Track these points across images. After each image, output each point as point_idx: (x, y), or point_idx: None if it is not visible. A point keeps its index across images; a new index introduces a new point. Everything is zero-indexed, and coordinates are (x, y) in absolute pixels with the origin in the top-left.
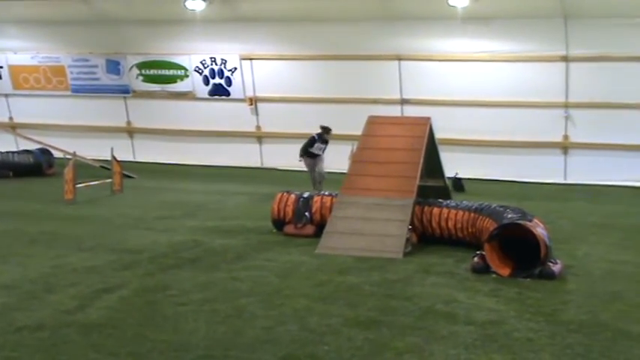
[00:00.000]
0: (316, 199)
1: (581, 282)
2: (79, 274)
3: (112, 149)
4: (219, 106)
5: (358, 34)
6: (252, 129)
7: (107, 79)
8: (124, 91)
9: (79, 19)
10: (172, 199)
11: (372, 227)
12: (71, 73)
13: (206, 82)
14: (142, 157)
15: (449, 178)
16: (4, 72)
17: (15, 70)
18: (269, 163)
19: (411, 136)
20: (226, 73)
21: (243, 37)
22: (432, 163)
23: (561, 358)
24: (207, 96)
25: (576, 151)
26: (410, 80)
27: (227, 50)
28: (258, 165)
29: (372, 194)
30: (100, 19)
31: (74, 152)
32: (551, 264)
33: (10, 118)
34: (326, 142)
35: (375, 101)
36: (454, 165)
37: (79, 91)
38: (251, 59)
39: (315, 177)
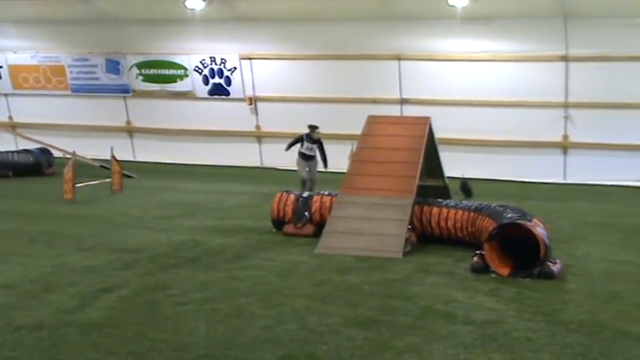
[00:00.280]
0: (316, 198)
1: (581, 282)
2: (78, 273)
3: (111, 149)
4: (218, 105)
5: (358, 34)
6: (252, 128)
7: (107, 79)
8: (124, 90)
9: (79, 19)
10: (172, 199)
11: (371, 227)
12: (71, 72)
13: (206, 81)
14: (141, 157)
15: (455, 178)
16: (4, 72)
17: (14, 70)
18: (268, 163)
19: (410, 136)
20: (226, 73)
21: (243, 36)
22: (432, 163)
23: (561, 358)
24: (207, 95)
25: (576, 150)
26: (409, 80)
27: (227, 50)
28: (258, 164)
29: (371, 194)
30: (100, 18)
31: (74, 152)
32: (550, 264)
33: (10, 118)
34: (316, 142)
35: (374, 101)
36: (453, 165)
37: (78, 90)
38: (250, 59)
39: (304, 178)
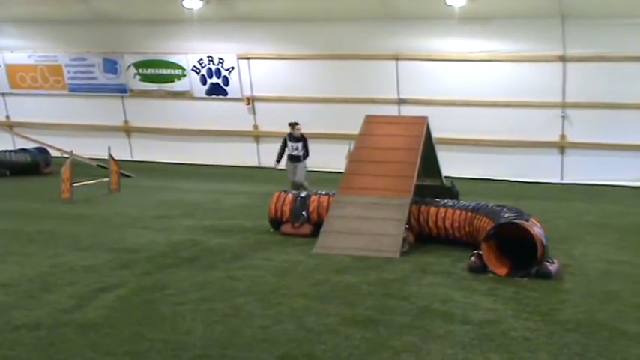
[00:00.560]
0: (313, 198)
1: (578, 281)
2: (76, 273)
3: (109, 148)
4: (216, 105)
5: (356, 34)
6: (250, 128)
7: (104, 79)
8: (122, 90)
9: (76, 18)
10: (170, 199)
11: (369, 227)
12: (68, 72)
13: (203, 81)
14: (139, 157)
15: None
16: (1, 71)
17: (12, 69)
18: (266, 163)
19: (408, 136)
20: (223, 73)
21: (241, 36)
22: (429, 163)
23: (558, 358)
24: (205, 95)
25: (573, 150)
26: (407, 80)
27: (224, 49)
28: (256, 164)
29: (369, 194)
30: (98, 18)
31: (71, 151)
32: (547, 263)
33: (7, 117)
34: (299, 140)
35: (372, 101)
36: (451, 164)
37: (76, 90)
38: (248, 58)
39: (296, 182)
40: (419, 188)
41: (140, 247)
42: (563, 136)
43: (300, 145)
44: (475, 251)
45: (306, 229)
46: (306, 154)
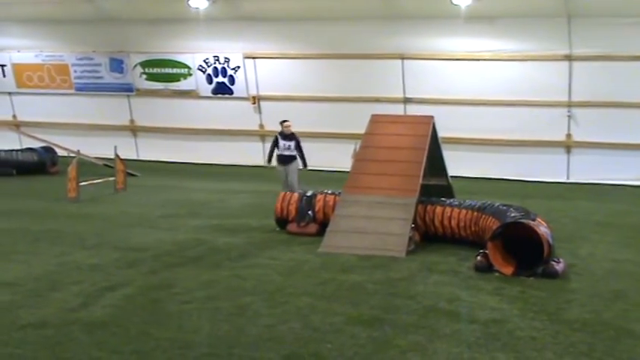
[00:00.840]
0: (319, 197)
1: (584, 281)
2: (82, 272)
3: (115, 147)
4: (222, 104)
5: (361, 33)
6: (256, 127)
7: (110, 78)
8: (128, 89)
9: (83, 18)
10: (176, 198)
11: (374, 226)
12: (75, 71)
13: (209, 80)
14: (145, 156)
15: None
16: (8, 70)
17: (18, 69)
18: (272, 162)
19: (414, 135)
20: (229, 72)
21: (247, 35)
22: (435, 162)
23: (564, 357)
24: (211, 94)
25: (579, 150)
26: (413, 79)
27: (230, 49)
28: (261, 163)
29: (375, 193)
30: (104, 17)
31: (78, 150)
32: (554, 263)
33: (14, 117)
34: (291, 138)
35: (378, 100)
36: (457, 164)
37: (82, 89)
38: (254, 58)
39: (287, 185)
40: (424, 187)
41: (146, 246)
42: (569, 135)
43: (292, 144)
44: (481, 250)
45: (312, 228)
46: (302, 157)
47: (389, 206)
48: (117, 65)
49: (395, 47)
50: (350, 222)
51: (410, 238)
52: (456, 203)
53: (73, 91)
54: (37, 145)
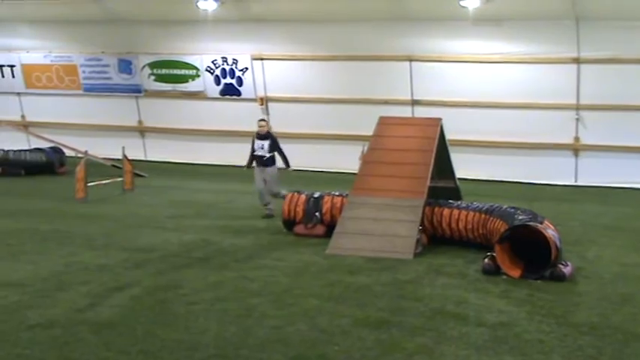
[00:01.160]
0: (326, 199)
1: (592, 284)
2: (90, 272)
3: (123, 148)
4: (230, 105)
5: (369, 35)
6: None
7: (119, 79)
8: (136, 90)
9: (92, 19)
10: (183, 198)
11: (382, 228)
12: (83, 72)
13: (217, 81)
14: (153, 156)
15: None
16: (17, 71)
17: (27, 69)
18: (279, 163)
19: (421, 137)
20: (237, 73)
21: (255, 37)
22: (443, 164)
23: None
24: (219, 96)
25: (587, 152)
26: (421, 81)
27: (238, 50)
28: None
29: (382, 195)
30: (112, 18)
31: (86, 151)
32: (561, 266)
33: (23, 117)
34: (267, 138)
35: (385, 102)
36: (465, 166)
37: (91, 90)
38: (262, 59)
39: (260, 189)
40: (431, 190)
41: (154, 246)
42: (577, 138)
43: (266, 143)
44: (489, 253)
45: (320, 229)
46: (283, 157)
47: (396, 208)
48: (125, 66)
49: (403, 49)
50: (357, 224)
51: (417, 241)
52: (464, 205)
53: (81, 92)
54: (45, 145)
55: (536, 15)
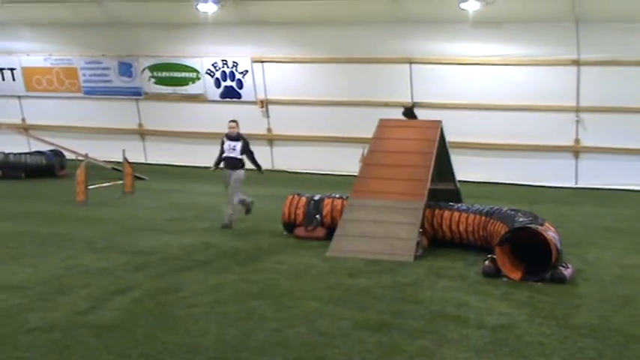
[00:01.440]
0: (327, 201)
1: (592, 286)
2: (90, 275)
3: (123, 151)
4: (230, 108)
5: (369, 37)
6: (264, 131)
7: (119, 82)
8: (136, 93)
9: (92, 22)
10: (183, 201)
11: (382, 230)
12: (83, 75)
13: (217, 84)
14: (153, 159)
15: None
16: (17, 74)
17: (28, 72)
18: (280, 166)
19: (421, 140)
20: (238, 76)
21: (255, 39)
22: (443, 167)
23: None
24: (219, 98)
25: (587, 155)
26: (421, 83)
27: (238, 53)
28: (269, 167)
29: (382, 197)
30: (113, 21)
31: (86, 154)
32: (562, 268)
33: (23, 120)
34: (237, 139)
35: (386, 104)
36: (465, 168)
37: (91, 93)
38: (262, 62)
39: (231, 195)
40: (432, 192)
41: (154, 249)
42: (577, 140)
43: (237, 144)
44: (489, 255)
45: (320, 232)
46: (254, 162)
47: (397, 211)
48: (126, 69)
49: (403, 52)
50: (357, 226)
51: (418, 243)
52: (464, 208)
53: (81, 95)
54: (45, 148)
55: (536, 17)
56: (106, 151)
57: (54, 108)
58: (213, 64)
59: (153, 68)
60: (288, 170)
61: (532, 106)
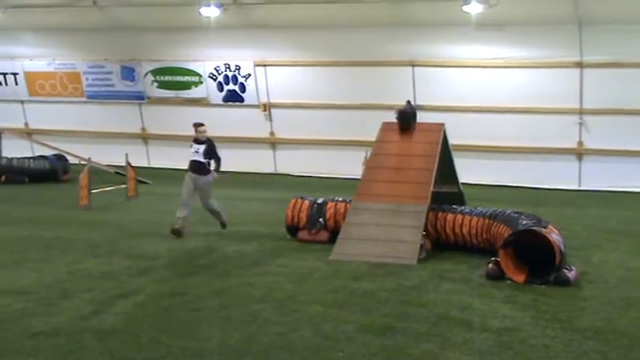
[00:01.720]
0: (330, 205)
1: (597, 289)
2: (94, 279)
3: (126, 155)
4: (233, 112)
5: (372, 41)
6: (266, 135)
7: (122, 86)
8: (139, 97)
9: (95, 26)
10: None
11: (386, 233)
12: (86, 79)
13: (220, 88)
14: (156, 163)
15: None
16: (20, 78)
17: (31, 77)
18: (283, 169)
19: (425, 143)
20: (240, 80)
21: (257, 43)
22: (446, 170)
23: None
24: (222, 102)
25: (591, 157)
26: (423, 86)
27: (241, 57)
28: (272, 171)
29: (386, 200)
30: (115, 26)
31: (89, 158)
32: (566, 270)
33: (26, 124)
34: (203, 143)
35: (389, 107)
36: (468, 171)
37: (94, 97)
38: (265, 65)
39: (185, 200)
40: (435, 195)
41: (158, 253)
42: (580, 143)
43: (201, 148)
44: (493, 258)
45: (323, 235)
46: (217, 161)
47: (400, 214)
48: (128, 73)
49: (405, 54)
50: (361, 229)
51: (421, 246)
52: (468, 211)
53: (84, 99)
54: (49, 153)
55: (539, 19)
56: (109, 156)
57: (57, 112)
58: (215, 68)
59: (155, 72)
60: (291, 174)
61: (535, 109)
